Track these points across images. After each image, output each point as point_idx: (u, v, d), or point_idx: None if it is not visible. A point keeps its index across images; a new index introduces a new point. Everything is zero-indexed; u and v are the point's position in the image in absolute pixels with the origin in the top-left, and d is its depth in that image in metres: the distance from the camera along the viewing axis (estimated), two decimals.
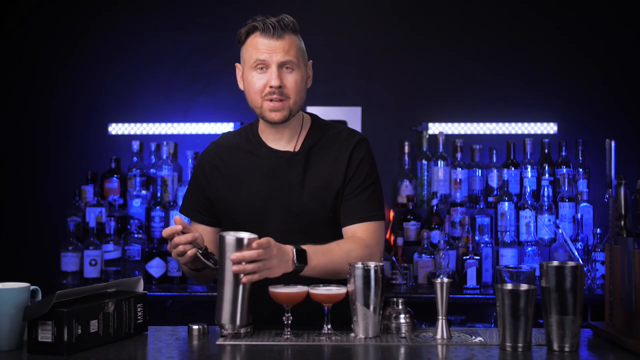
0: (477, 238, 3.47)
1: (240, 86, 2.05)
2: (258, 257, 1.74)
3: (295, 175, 2.03)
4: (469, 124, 3.97)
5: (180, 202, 3.56)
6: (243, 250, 1.74)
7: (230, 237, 1.76)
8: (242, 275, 1.74)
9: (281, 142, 2.06)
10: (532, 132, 3.93)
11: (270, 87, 1.95)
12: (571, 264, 1.68)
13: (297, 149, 2.06)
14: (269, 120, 2.00)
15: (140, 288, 1.91)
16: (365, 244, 1.97)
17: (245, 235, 1.76)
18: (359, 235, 2.00)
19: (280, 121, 1.99)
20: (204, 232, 1.98)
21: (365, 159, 2.05)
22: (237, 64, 2.05)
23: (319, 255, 1.88)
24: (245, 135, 2.12)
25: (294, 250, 1.84)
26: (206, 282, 2.18)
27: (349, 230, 2.02)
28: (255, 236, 1.76)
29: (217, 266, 1.81)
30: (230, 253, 1.75)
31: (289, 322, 1.77)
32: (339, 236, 2.03)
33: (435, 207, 3.60)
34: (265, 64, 1.95)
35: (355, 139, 2.07)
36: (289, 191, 2.02)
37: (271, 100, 1.96)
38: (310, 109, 3.69)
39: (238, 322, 1.77)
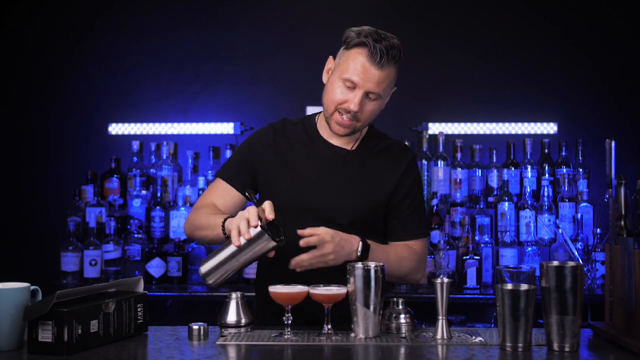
0: (477, 238, 3.46)
1: (324, 79, 2.07)
2: (314, 259, 1.85)
3: (348, 172, 2.08)
4: (469, 124, 3.96)
5: (180, 202, 3.58)
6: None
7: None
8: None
9: (339, 140, 2.11)
10: (532, 132, 3.93)
11: (348, 108, 1.98)
12: (571, 264, 1.68)
13: (354, 149, 2.11)
14: (332, 130, 2.05)
15: (140, 288, 1.91)
16: (418, 257, 2.08)
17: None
18: (414, 248, 2.09)
19: (343, 136, 2.05)
20: (234, 196, 2.07)
21: (418, 178, 2.15)
22: (330, 57, 2.08)
23: (378, 253, 1.96)
24: (303, 126, 2.16)
25: (360, 243, 1.91)
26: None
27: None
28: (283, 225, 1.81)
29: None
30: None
31: (289, 322, 1.78)
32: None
33: (435, 207, 3.60)
34: (354, 86, 1.97)
35: (410, 156, 2.14)
36: (338, 186, 2.06)
37: (342, 115, 2.00)
38: (312, 109, 3.68)
39: (211, 280, 1.85)
